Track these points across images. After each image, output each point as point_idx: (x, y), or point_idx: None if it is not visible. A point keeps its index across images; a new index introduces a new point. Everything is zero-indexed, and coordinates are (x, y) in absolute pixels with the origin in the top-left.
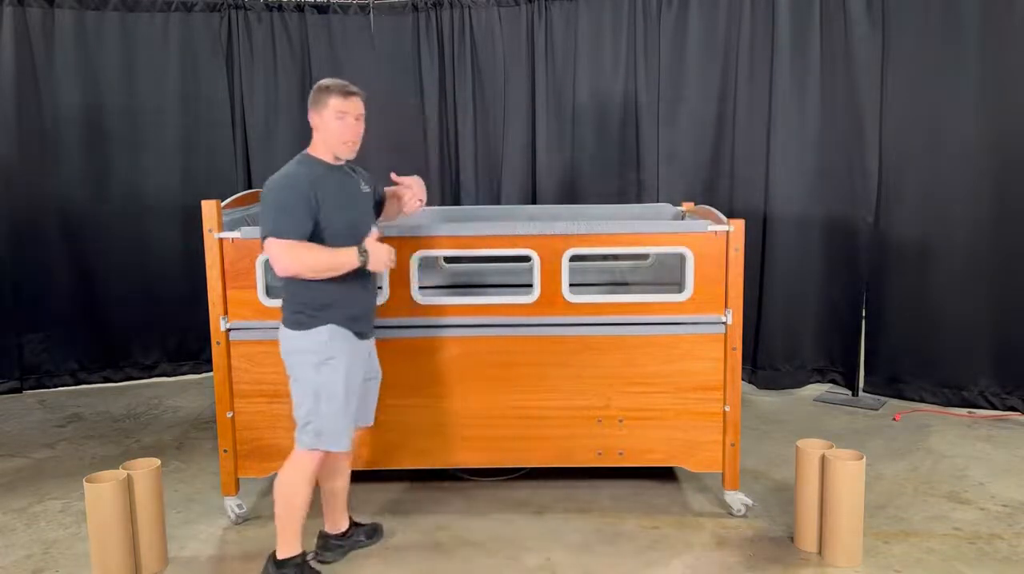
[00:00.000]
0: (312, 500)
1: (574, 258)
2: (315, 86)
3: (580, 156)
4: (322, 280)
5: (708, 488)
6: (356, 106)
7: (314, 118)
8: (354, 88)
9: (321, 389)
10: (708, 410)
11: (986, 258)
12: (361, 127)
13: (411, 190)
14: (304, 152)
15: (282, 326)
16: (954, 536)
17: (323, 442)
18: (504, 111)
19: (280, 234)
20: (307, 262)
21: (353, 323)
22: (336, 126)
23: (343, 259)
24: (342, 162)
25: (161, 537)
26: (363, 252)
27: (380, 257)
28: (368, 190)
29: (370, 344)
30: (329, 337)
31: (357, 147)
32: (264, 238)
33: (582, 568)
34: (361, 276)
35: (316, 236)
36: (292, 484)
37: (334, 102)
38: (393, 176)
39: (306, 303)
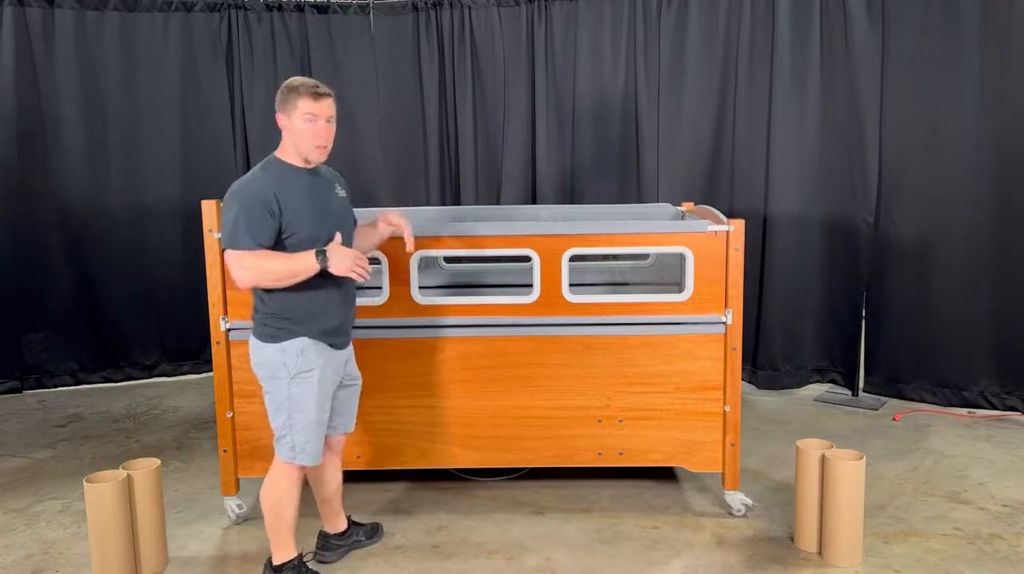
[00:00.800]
0: (310, 500)
1: (574, 258)
2: (283, 85)
3: (580, 156)
4: (299, 292)
5: (708, 488)
6: (327, 108)
7: (282, 119)
8: (325, 88)
9: (293, 404)
10: (708, 410)
11: (986, 258)
12: (332, 130)
13: (407, 230)
14: (272, 155)
15: (252, 336)
16: (954, 536)
17: (298, 456)
18: (504, 111)
19: (236, 245)
20: (265, 271)
21: (328, 336)
22: (306, 129)
23: (301, 263)
24: (312, 165)
25: (161, 537)
26: (320, 253)
27: (343, 261)
28: (344, 195)
29: (347, 352)
30: (302, 351)
31: (328, 150)
32: (223, 250)
33: (582, 568)
34: (339, 287)
35: (280, 245)
36: (277, 494)
37: (303, 104)
38: (380, 218)
39: (276, 314)
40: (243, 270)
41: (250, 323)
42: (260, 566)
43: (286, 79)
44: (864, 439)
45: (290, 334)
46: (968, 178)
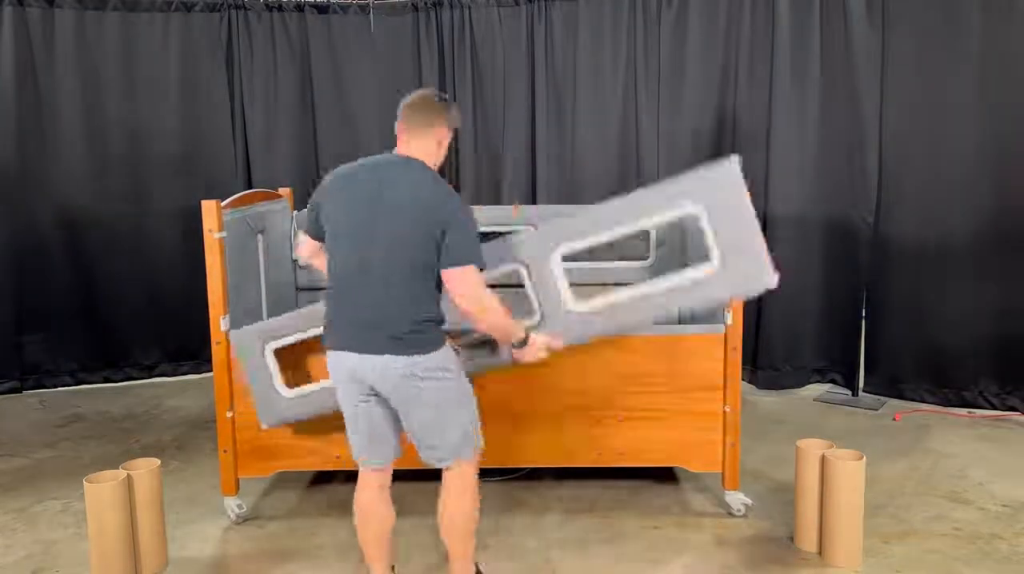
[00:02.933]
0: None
1: (574, 259)
2: (444, 97)
3: (580, 156)
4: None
5: (708, 488)
6: None
7: (443, 135)
8: None
9: (468, 392)
10: (708, 410)
11: (986, 258)
12: None
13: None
14: (427, 165)
15: (410, 355)
16: (954, 536)
17: (478, 441)
18: (504, 111)
19: (481, 261)
20: (494, 307)
21: None
22: (447, 147)
23: (513, 328)
24: None
25: (161, 537)
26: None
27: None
28: None
29: None
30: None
31: None
32: (465, 263)
33: (582, 568)
34: None
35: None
36: (474, 502)
37: (455, 124)
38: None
39: (438, 319)
40: (485, 296)
41: None
42: (260, 566)
43: (286, 79)
44: (864, 439)
45: (442, 338)
46: (968, 178)
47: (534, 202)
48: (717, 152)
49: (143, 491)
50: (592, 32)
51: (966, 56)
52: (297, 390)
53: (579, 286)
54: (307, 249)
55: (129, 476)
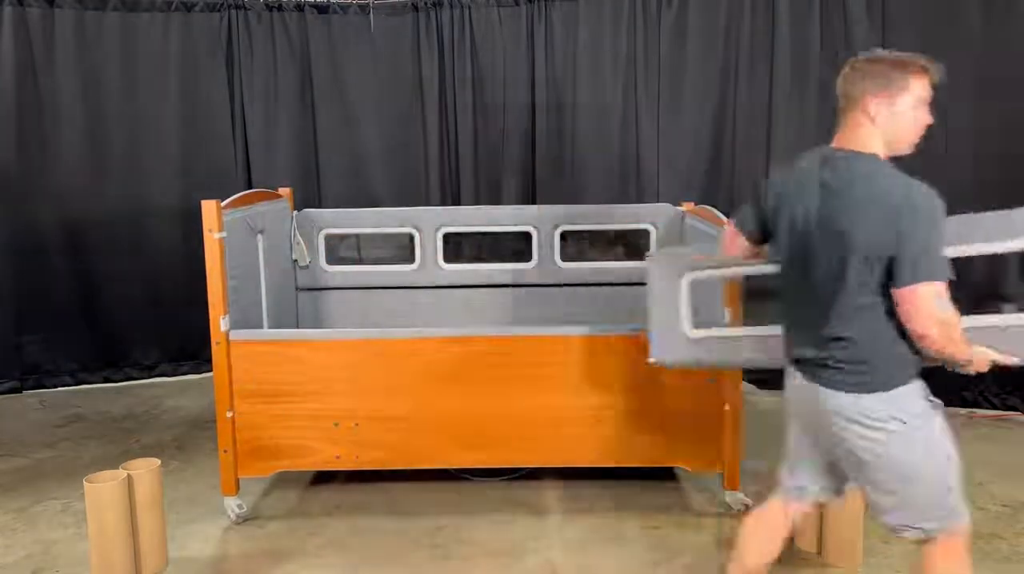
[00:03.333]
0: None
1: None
2: (873, 55)
3: (580, 156)
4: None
5: (708, 488)
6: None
7: (880, 107)
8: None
9: (938, 445)
10: (708, 410)
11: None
12: None
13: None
14: (872, 154)
15: (841, 392)
16: None
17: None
18: (504, 111)
19: (941, 274)
20: (957, 337)
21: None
22: (915, 117)
23: (967, 356)
24: None
25: (161, 537)
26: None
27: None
28: None
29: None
30: None
31: None
32: (915, 280)
33: (582, 568)
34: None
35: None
36: None
37: (919, 84)
38: None
39: (884, 352)
40: (946, 323)
41: None
42: (260, 566)
43: (286, 79)
44: None
45: None
46: (967, 177)
47: (534, 202)
48: (717, 152)
49: (143, 491)
50: (592, 32)
51: (966, 56)
52: (703, 332)
53: (584, 286)
54: (736, 246)
55: (129, 476)
